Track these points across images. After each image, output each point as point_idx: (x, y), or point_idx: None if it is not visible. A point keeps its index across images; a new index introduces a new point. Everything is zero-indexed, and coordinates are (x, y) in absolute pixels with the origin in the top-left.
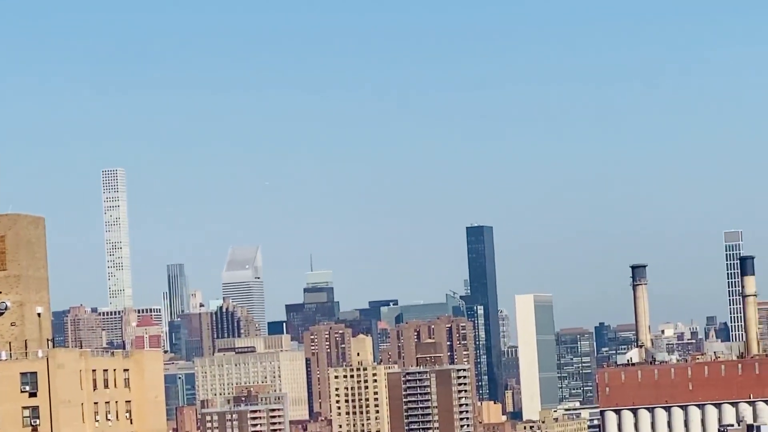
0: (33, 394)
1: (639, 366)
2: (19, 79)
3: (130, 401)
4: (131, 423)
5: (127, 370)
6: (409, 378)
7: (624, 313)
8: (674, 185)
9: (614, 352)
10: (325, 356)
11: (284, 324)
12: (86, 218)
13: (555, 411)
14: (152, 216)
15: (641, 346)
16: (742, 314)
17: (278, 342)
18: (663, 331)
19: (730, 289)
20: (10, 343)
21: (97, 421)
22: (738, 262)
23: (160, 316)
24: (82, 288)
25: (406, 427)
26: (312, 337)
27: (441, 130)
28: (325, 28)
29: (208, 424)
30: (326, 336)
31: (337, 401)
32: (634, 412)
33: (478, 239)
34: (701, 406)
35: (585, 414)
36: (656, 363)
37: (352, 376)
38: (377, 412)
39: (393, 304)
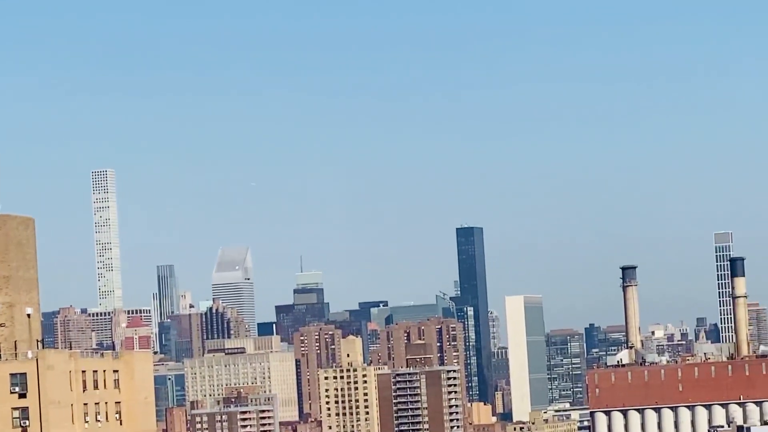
0: (23, 395)
1: (629, 367)
2: (9, 79)
3: (119, 402)
4: (121, 424)
5: (117, 371)
6: (399, 379)
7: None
8: (665, 187)
9: (604, 353)
10: (315, 357)
11: (274, 325)
12: (76, 219)
13: (545, 412)
14: (142, 217)
15: (631, 348)
16: (732, 315)
17: (268, 343)
18: (653, 333)
19: (720, 290)
20: None
21: (87, 422)
22: (728, 263)
23: (149, 317)
24: (72, 289)
25: (396, 429)
26: (302, 338)
27: (431, 131)
28: (313, 28)
29: (198, 425)
30: (316, 337)
31: (327, 402)
32: (624, 413)
33: (468, 240)
34: (691, 408)
35: (575, 415)
36: (646, 364)
37: (342, 377)
38: (367, 413)
39: (383, 305)
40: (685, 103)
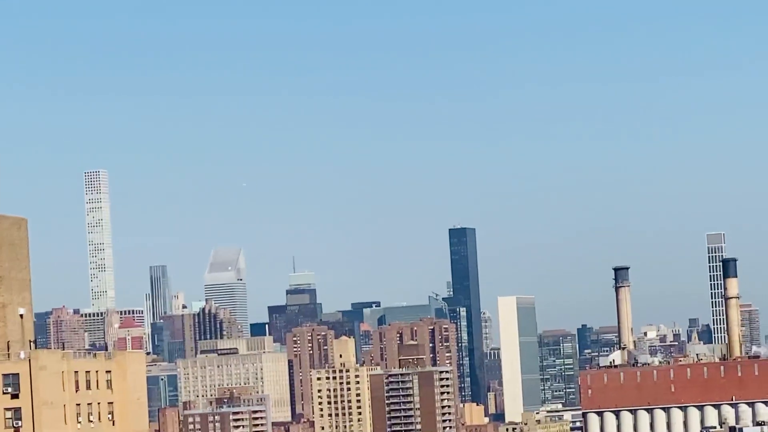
0: (15, 396)
1: (621, 368)
2: (1, 80)
3: (112, 403)
4: (113, 424)
5: (110, 371)
6: (392, 380)
7: (606, 315)
8: (657, 187)
9: (597, 354)
10: (308, 358)
11: (267, 326)
12: (69, 220)
13: (537, 413)
14: (135, 218)
15: (624, 348)
16: (724, 316)
17: (261, 343)
18: (645, 333)
19: (713, 291)
20: None
21: (80, 422)
22: (720, 264)
23: (142, 317)
24: (65, 289)
25: (389, 429)
26: (294, 338)
27: (424, 132)
28: (306, 29)
29: (191, 426)
30: (309, 338)
31: (320, 403)
32: (617, 414)
33: (460, 241)
34: (684, 408)
35: (567, 416)
36: (639, 365)
37: (334, 378)
38: (360, 413)
39: (375, 306)
40: (677, 104)
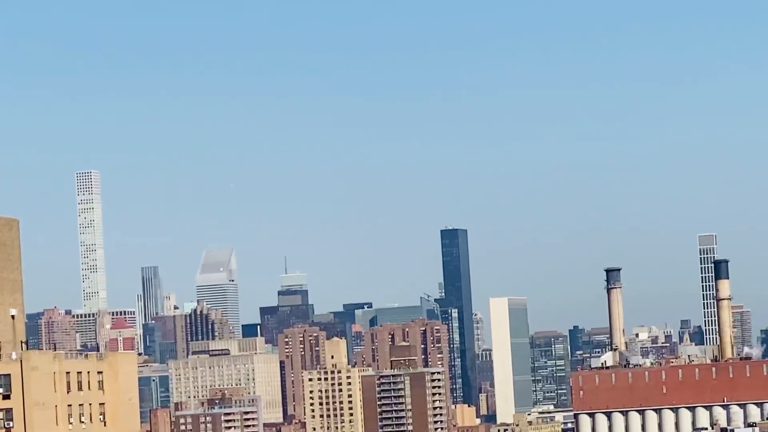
0: (6, 397)
1: (613, 369)
2: None
3: (104, 403)
4: (105, 425)
5: (101, 372)
6: (384, 381)
7: (598, 317)
8: (648, 189)
9: (588, 355)
10: (300, 359)
11: (258, 326)
12: (60, 220)
13: (529, 414)
14: (126, 218)
15: (615, 350)
16: (716, 318)
17: (252, 344)
18: (637, 335)
19: (705, 292)
20: None
21: (71, 423)
22: (712, 265)
23: (134, 318)
24: (57, 290)
25: (380, 430)
26: (286, 339)
27: (416, 133)
28: (300, 29)
29: (182, 427)
30: (300, 339)
31: (311, 404)
32: (608, 415)
33: (452, 242)
34: (675, 410)
35: (559, 417)
36: (630, 366)
37: (326, 379)
38: (351, 414)
39: (367, 307)
40: (669, 105)
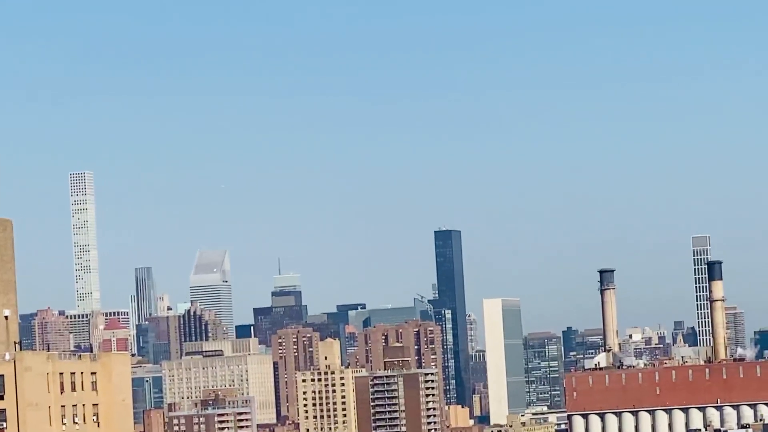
0: (0, 398)
1: (606, 370)
2: None
3: (97, 404)
4: (98, 426)
5: (95, 373)
6: (377, 382)
7: (592, 318)
8: (642, 190)
9: (582, 356)
10: (293, 360)
11: (252, 327)
12: (54, 221)
13: (522, 415)
14: (120, 219)
15: (609, 351)
16: (709, 319)
17: (246, 345)
18: (631, 336)
19: (698, 293)
20: None
21: (65, 424)
22: (706, 266)
23: (127, 319)
24: (50, 291)
25: (374, 431)
26: (280, 340)
27: (409, 134)
28: (296, 29)
29: (175, 428)
30: (294, 339)
31: (305, 405)
32: (602, 416)
33: (446, 243)
34: (668, 411)
35: (552, 418)
36: (624, 367)
37: (319, 380)
38: (345, 415)
39: (361, 308)
40: (662, 106)
